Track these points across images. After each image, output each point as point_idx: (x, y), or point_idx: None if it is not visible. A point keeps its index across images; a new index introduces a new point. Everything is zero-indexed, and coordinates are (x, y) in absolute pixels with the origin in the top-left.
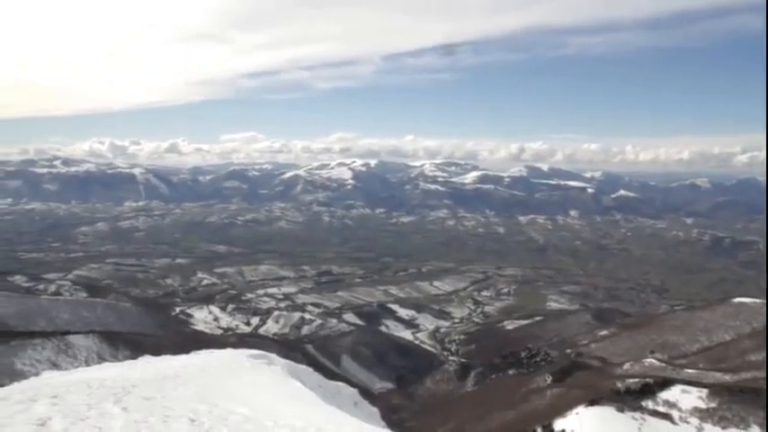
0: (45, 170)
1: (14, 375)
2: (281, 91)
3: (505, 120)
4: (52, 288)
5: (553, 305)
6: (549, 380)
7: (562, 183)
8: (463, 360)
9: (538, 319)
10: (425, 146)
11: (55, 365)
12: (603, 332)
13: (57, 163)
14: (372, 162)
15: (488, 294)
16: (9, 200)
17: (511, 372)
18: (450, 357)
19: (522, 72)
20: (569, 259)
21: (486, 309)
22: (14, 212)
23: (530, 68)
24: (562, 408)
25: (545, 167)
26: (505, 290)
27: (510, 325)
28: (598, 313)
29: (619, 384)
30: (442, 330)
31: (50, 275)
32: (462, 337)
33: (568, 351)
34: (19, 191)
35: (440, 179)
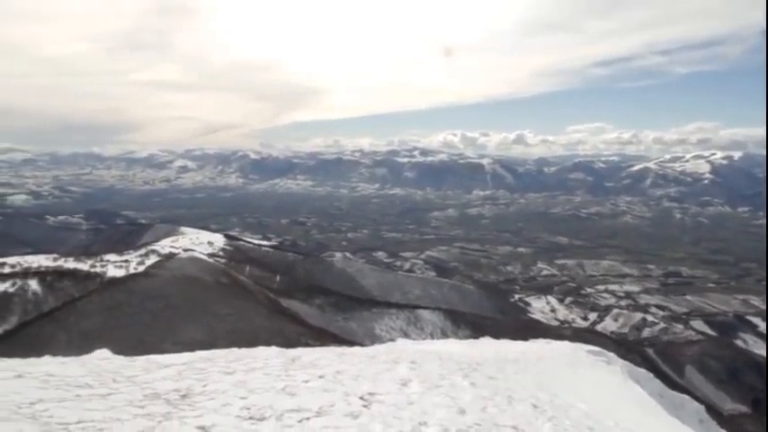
0: (405, 159)
1: (374, 338)
2: (633, 78)
3: None
4: (407, 265)
5: None
6: None
7: None
8: None
9: None
10: None
11: (405, 334)
12: None
13: (415, 153)
14: (736, 155)
15: None
16: (377, 185)
17: None
18: None
19: None
20: None
21: None
22: (380, 196)
23: None
24: None
25: None
26: None
27: None
28: None
29: None
30: None
31: (406, 254)
32: None
33: None
34: (384, 177)
35: None
